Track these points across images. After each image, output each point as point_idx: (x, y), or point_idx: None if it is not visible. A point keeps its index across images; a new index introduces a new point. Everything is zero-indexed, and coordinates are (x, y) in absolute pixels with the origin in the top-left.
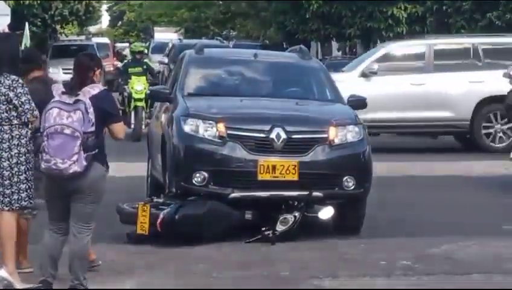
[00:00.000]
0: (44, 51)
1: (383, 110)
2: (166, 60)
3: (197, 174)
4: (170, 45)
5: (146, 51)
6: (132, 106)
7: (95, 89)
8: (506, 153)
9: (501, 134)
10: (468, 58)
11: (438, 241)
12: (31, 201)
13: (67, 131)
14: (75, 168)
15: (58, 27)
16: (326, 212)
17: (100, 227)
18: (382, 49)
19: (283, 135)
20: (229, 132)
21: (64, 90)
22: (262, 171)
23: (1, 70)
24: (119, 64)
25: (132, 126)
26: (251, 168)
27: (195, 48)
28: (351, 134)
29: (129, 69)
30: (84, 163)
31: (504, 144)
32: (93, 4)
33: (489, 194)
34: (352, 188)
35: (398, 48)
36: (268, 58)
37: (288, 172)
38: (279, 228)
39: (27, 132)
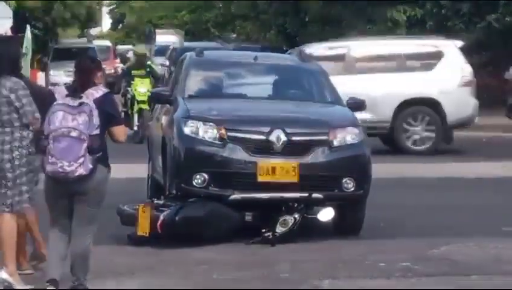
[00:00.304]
0: (46, 53)
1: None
2: (167, 62)
3: (197, 176)
4: (171, 48)
5: (149, 54)
6: (136, 108)
7: (99, 91)
8: (428, 156)
9: (420, 136)
10: (390, 60)
11: (438, 243)
12: (32, 203)
13: (74, 134)
14: (81, 170)
15: (59, 30)
16: (326, 214)
17: (101, 228)
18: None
19: (283, 137)
20: (229, 133)
21: (67, 92)
22: (262, 173)
23: (2, 72)
24: (123, 66)
25: (135, 128)
26: (251, 170)
27: (196, 50)
28: (350, 136)
29: (132, 72)
30: (90, 166)
31: (424, 146)
32: (94, 7)
33: (489, 195)
34: (351, 189)
35: (320, 49)
36: (268, 60)
37: (288, 174)
38: (279, 229)
39: (28, 133)
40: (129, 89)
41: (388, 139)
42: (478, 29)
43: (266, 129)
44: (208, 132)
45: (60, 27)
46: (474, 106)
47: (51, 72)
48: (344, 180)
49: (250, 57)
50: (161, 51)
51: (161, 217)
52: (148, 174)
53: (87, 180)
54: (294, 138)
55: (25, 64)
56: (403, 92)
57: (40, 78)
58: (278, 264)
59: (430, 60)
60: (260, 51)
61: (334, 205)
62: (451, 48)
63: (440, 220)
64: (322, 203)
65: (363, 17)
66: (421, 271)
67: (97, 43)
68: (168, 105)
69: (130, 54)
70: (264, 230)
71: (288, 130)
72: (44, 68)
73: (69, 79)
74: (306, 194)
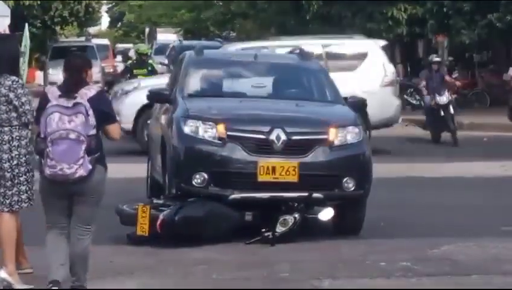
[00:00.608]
0: (44, 52)
1: None
2: (166, 61)
3: (197, 176)
4: (170, 46)
5: (150, 53)
6: None
7: (91, 90)
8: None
9: None
10: None
11: (438, 243)
12: (31, 203)
13: (72, 136)
14: (81, 172)
15: (57, 28)
16: (326, 214)
17: (100, 228)
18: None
19: (283, 136)
20: (229, 133)
21: (60, 93)
22: (262, 173)
23: (1, 71)
24: (126, 64)
25: None
26: (251, 170)
27: (195, 49)
28: (350, 135)
29: (134, 70)
30: (89, 166)
31: None
32: (93, 5)
33: (489, 195)
34: (352, 189)
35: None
36: (268, 59)
37: (288, 173)
38: (279, 229)
39: (27, 133)
40: None
41: None
42: (479, 27)
43: (266, 128)
44: (207, 131)
45: (59, 25)
46: (397, 106)
47: (50, 71)
48: (344, 179)
49: (250, 56)
50: (161, 50)
51: (161, 217)
52: (147, 174)
53: (87, 181)
54: (294, 137)
55: (23, 63)
56: None
57: (38, 77)
58: (278, 264)
59: (353, 60)
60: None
61: (334, 204)
62: (374, 48)
63: (440, 220)
64: (322, 203)
65: (363, 16)
66: (421, 271)
67: (96, 41)
68: (167, 104)
69: (132, 53)
70: (264, 230)
71: (288, 130)
72: (42, 67)
73: None
74: (306, 194)
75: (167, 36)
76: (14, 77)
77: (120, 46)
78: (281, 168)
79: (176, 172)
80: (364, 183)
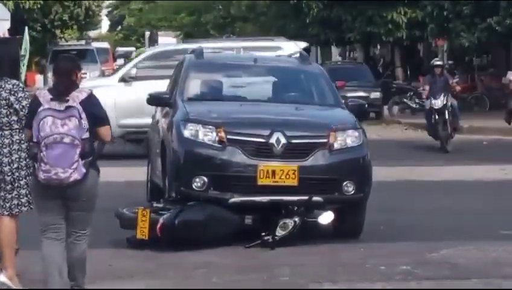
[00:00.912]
0: (44, 55)
1: (143, 116)
2: None
3: (197, 179)
4: None
5: None
6: None
7: (83, 93)
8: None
9: None
10: None
11: (438, 246)
12: (31, 207)
13: (67, 140)
14: (76, 176)
15: (57, 32)
16: (326, 217)
17: (100, 232)
18: (142, 55)
19: (283, 140)
20: (228, 136)
21: (51, 96)
22: (262, 176)
23: (1, 74)
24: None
25: None
26: (251, 173)
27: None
28: (350, 139)
29: None
30: (83, 170)
31: None
32: (93, 9)
33: (488, 198)
34: (352, 193)
35: (159, 53)
36: (268, 63)
37: (288, 177)
38: (279, 232)
39: None
40: None
41: None
42: (479, 31)
43: (266, 132)
44: (207, 135)
45: (59, 29)
46: None
47: (50, 75)
48: (344, 183)
49: (249, 59)
50: None
51: (160, 221)
52: (147, 178)
53: (81, 185)
54: (294, 141)
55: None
56: None
57: (38, 81)
58: (278, 267)
59: None
60: None
61: (334, 208)
62: (293, 50)
63: (440, 224)
64: (322, 207)
65: (363, 19)
66: (421, 275)
67: (96, 45)
68: (167, 108)
69: (134, 56)
70: (263, 233)
71: (288, 133)
72: (42, 71)
73: None
74: (306, 198)
75: (167, 40)
76: (14, 81)
77: (120, 49)
78: (281, 171)
79: (176, 176)
80: (364, 187)
